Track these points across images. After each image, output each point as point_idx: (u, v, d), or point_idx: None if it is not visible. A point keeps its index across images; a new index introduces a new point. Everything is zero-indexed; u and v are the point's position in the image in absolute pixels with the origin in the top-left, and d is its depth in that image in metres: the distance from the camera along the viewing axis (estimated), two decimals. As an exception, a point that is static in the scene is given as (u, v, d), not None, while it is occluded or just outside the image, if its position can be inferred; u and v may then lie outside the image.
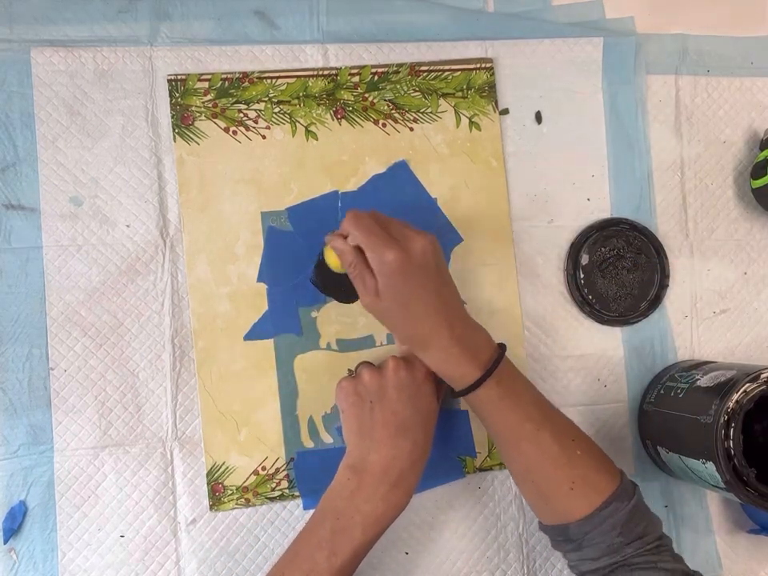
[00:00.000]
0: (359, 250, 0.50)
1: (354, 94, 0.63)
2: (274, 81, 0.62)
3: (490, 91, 0.64)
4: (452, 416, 0.62)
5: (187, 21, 0.61)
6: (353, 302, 0.60)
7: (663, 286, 0.65)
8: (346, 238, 0.51)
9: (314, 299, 0.61)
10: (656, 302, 0.65)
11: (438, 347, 0.52)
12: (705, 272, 0.67)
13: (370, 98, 0.63)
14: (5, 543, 0.56)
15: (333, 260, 0.54)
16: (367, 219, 0.50)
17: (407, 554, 0.61)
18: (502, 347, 0.54)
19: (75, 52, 0.59)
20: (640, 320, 0.65)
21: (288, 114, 0.62)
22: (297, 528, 0.59)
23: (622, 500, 0.51)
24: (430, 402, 0.54)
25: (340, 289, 0.58)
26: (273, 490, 0.60)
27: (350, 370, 0.59)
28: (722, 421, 0.51)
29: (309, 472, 0.60)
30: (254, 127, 0.61)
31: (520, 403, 0.53)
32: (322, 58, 0.63)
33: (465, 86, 0.64)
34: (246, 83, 0.61)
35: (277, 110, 0.62)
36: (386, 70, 0.63)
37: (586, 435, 0.55)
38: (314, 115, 0.62)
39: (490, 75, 0.64)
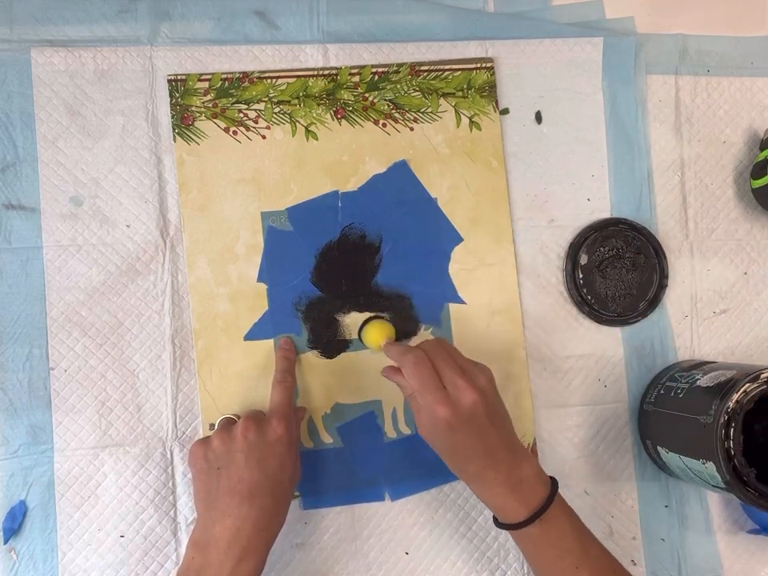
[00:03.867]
0: None
1: (354, 93, 0.63)
2: (274, 81, 0.62)
3: (490, 91, 0.64)
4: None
5: (187, 21, 0.61)
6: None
7: (662, 286, 0.65)
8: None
9: (314, 299, 0.61)
10: (655, 302, 0.65)
11: (485, 486, 0.51)
12: (705, 272, 0.67)
13: (370, 98, 0.63)
14: (5, 543, 0.56)
15: (372, 341, 0.58)
16: (424, 367, 0.50)
17: (407, 553, 0.61)
18: (553, 484, 0.51)
19: (75, 52, 0.60)
20: (639, 320, 0.65)
21: (288, 114, 0.62)
22: (296, 527, 0.59)
23: None
24: (283, 464, 0.53)
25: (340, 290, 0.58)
26: (273, 489, 0.60)
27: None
28: (722, 421, 0.51)
29: (309, 472, 0.60)
30: (254, 127, 0.61)
31: (561, 540, 0.50)
32: (322, 57, 0.63)
33: (465, 86, 0.64)
34: (246, 83, 0.61)
35: (277, 110, 0.62)
36: (386, 69, 0.63)
37: (626, 570, 0.52)
38: (314, 115, 0.62)
39: (491, 75, 0.64)
